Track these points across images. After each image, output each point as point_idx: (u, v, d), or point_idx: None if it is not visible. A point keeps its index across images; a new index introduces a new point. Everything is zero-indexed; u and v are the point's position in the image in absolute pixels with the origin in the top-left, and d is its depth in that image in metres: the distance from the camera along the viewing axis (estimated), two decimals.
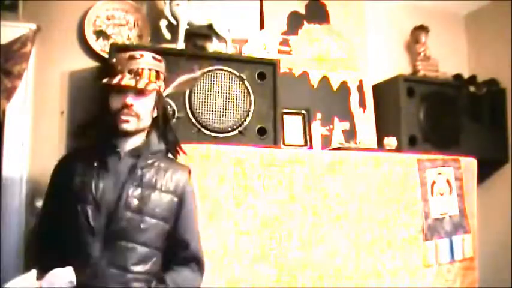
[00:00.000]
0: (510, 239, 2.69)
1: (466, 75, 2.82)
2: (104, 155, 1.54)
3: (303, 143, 2.47)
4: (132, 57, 1.53)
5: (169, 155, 1.68)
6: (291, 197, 2.07)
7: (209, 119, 2.11)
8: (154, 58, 1.58)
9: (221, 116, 2.13)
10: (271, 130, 2.22)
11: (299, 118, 2.51)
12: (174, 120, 2.06)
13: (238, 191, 1.99)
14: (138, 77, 1.51)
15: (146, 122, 1.56)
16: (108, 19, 2.34)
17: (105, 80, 1.52)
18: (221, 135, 2.12)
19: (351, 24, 2.80)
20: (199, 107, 2.11)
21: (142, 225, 1.48)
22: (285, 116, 2.43)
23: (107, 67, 1.57)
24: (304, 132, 2.49)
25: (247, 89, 2.19)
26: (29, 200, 2.12)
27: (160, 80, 1.58)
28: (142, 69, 1.53)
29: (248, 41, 2.45)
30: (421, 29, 2.87)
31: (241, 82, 2.18)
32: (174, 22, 2.26)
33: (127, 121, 1.51)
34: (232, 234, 1.96)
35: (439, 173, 2.39)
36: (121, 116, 1.50)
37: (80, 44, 2.30)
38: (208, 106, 2.12)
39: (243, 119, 2.17)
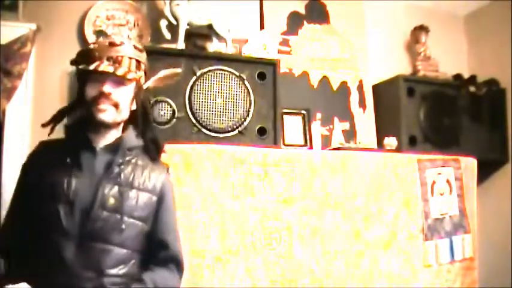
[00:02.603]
0: (510, 239, 2.69)
1: (466, 75, 2.82)
2: (78, 151, 1.44)
3: (303, 143, 2.47)
4: (112, 44, 1.43)
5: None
6: (291, 197, 2.07)
7: (209, 119, 2.11)
8: (135, 47, 1.48)
9: (221, 116, 2.13)
10: (271, 130, 2.22)
11: (299, 118, 2.51)
12: (174, 120, 2.06)
13: (238, 191, 1.99)
14: (117, 65, 1.42)
15: (125, 114, 1.47)
16: (108, 19, 2.34)
17: (81, 66, 1.42)
18: (221, 135, 2.12)
19: (351, 24, 2.80)
20: (199, 107, 2.11)
21: (119, 226, 1.39)
22: (285, 116, 2.43)
23: (85, 53, 1.47)
24: (304, 132, 2.49)
25: (247, 89, 2.19)
26: None
27: (140, 71, 1.49)
28: (122, 56, 1.43)
29: (248, 41, 2.44)
30: (421, 29, 2.87)
31: (241, 82, 2.18)
32: (174, 22, 2.26)
33: (104, 110, 1.41)
34: (232, 234, 1.96)
35: (439, 173, 2.39)
36: (98, 105, 1.40)
37: (80, 44, 2.29)
38: (208, 106, 2.12)
39: (243, 119, 2.17)
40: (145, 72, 1.53)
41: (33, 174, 1.46)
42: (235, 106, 2.16)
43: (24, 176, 1.50)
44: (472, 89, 2.77)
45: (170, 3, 2.26)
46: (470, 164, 2.47)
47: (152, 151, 1.56)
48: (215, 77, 2.15)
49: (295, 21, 2.68)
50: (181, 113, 2.08)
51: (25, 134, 2.16)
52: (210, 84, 2.13)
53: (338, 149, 2.36)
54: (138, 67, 1.48)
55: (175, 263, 1.53)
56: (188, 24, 2.28)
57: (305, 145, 2.47)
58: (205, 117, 2.11)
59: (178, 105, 2.08)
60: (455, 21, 3.15)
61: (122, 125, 1.50)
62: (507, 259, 2.67)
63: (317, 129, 2.56)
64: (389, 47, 2.94)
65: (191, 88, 2.11)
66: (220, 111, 2.13)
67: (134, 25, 2.38)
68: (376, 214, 2.21)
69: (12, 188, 2.08)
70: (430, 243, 2.31)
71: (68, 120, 1.54)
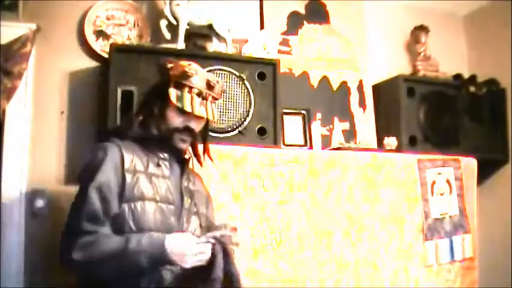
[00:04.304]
0: (510, 239, 2.69)
1: (466, 75, 2.82)
2: (164, 158, 1.54)
3: (303, 143, 2.47)
4: (209, 85, 1.56)
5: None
6: (291, 197, 2.07)
7: None
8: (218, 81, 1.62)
9: (221, 116, 2.13)
10: (271, 130, 2.22)
11: (299, 118, 2.51)
12: None
13: (238, 191, 1.99)
14: (204, 101, 1.54)
15: None
16: (108, 19, 2.34)
17: (175, 101, 1.49)
18: (221, 135, 2.12)
19: (351, 24, 2.80)
20: None
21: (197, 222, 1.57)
22: (285, 116, 2.43)
23: (167, 72, 1.56)
24: (304, 132, 2.49)
25: (247, 89, 2.19)
26: (29, 200, 2.12)
27: None
28: (210, 95, 1.58)
29: (248, 41, 2.44)
30: (421, 29, 2.87)
31: (241, 82, 2.18)
32: (174, 22, 2.26)
33: (185, 141, 1.55)
34: None
35: (439, 173, 2.39)
36: (180, 135, 1.53)
37: (80, 44, 2.30)
38: None
39: (243, 119, 2.17)
40: None
41: (127, 171, 1.44)
42: (235, 106, 2.16)
43: (105, 170, 1.41)
44: (472, 89, 2.77)
45: (170, 3, 2.26)
46: (470, 164, 2.48)
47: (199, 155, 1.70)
48: (215, 77, 2.14)
49: (295, 21, 2.68)
50: None
51: (25, 134, 2.16)
52: None
53: (338, 149, 2.36)
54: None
55: None
56: (188, 24, 2.28)
57: (305, 145, 2.47)
58: None
59: None
60: (455, 21, 3.15)
61: None
62: (507, 259, 2.67)
63: (317, 129, 2.56)
64: (389, 47, 2.94)
65: None
66: (220, 111, 2.13)
67: (134, 25, 2.38)
68: (376, 214, 2.21)
69: (12, 187, 2.07)
70: (430, 243, 2.31)
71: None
